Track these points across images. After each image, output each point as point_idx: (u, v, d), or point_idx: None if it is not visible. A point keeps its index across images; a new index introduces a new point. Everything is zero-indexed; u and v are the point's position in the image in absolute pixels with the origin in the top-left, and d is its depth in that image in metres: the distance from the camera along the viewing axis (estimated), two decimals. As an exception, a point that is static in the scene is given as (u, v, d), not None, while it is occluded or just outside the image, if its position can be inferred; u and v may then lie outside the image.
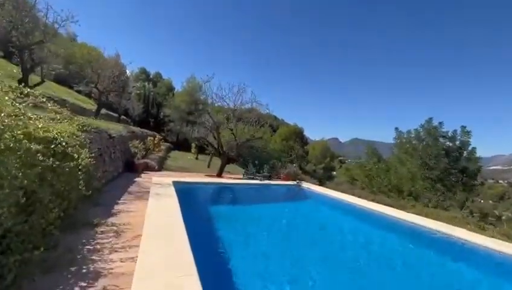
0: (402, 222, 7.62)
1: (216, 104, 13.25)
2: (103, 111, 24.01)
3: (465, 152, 13.10)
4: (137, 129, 18.76)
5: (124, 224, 4.64)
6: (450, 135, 13.75)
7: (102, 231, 4.16)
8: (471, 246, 6.42)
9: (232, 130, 14.31)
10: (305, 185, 12.54)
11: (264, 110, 13.56)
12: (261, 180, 13.18)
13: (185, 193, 9.18)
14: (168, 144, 30.14)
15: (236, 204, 9.54)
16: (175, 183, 8.97)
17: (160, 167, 14.09)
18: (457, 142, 13.27)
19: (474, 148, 13.03)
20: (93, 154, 6.25)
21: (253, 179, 13.75)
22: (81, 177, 4.75)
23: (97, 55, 16.48)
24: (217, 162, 23.30)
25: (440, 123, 13.90)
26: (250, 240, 6.29)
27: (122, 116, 28.14)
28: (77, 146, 5.46)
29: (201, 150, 24.31)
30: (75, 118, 7.47)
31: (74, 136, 5.47)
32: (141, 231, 4.28)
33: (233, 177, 13.65)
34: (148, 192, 7.48)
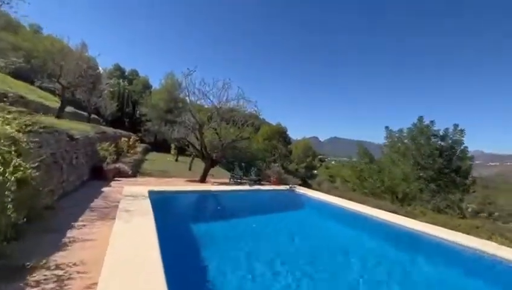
0: (422, 235, 6.38)
1: (198, 102, 11.91)
2: (70, 109, 21.65)
3: (458, 151, 12.86)
4: (109, 129, 16.89)
5: (74, 264, 3.30)
6: (441, 133, 13.48)
7: (36, 282, 2.82)
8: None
9: (216, 129, 13.04)
10: (300, 189, 11.52)
11: (252, 108, 12.45)
12: (250, 185, 12.03)
13: (163, 206, 7.80)
14: (145, 145, 28.12)
15: (227, 218, 8.06)
16: (151, 194, 7.57)
17: (136, 171, 12.52)
18: (450, 141, 13.01)
19: (466, 147, 12.86)
20: (39, 163, 4.82)
21: (240, 183, 12.57)
22: (10, 197, 3.38)
23: (60, 46, 14.43)
24: (199, 163, 21.84)
25: (431, 122, 13.61)
26: (248, 271, 4.85)
27: (93, 116, 25.76)
28: (12, 153, 4.05)
29: (181, 151, 22.72)
30: (28, 116, 5.96)
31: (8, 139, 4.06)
32: (98, 274, 3.00)
33: (218, 183, 12.37)
34: (117, 207, 6.09)
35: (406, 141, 14.46)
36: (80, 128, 9.75)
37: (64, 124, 9.44)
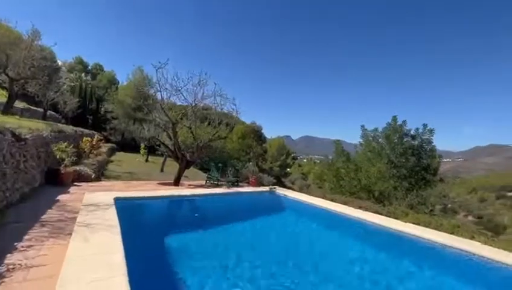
0: (413, 238, 6.11)
1: (171, 98, 10.97)
2: (21, 105, 19.26)
3: (428, 149, 13.43)
4: (68, 128, 15.14)
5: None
6: (412, 133, 14.00)
7: None
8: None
9: (190, 128, 12.21)
10: (280, 191, 11.08)
11: (231, 106, 11.80)
12: (227, 186, 11.41)
13: (132, 216, 6.90)
14: (111, 144, 26.09)
15: (206, 227, 7.09)
16: (118, 202, 6.65)
17: (100, 174, 11.27)
18: (419, 140, 13.56)
19: (434, 145, 13.48)
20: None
21: (218, 185, 11.89)
22: None
23: (6, 32, 12.53)
24: (172, 163, 20.66)
25: (404, 122, 14.10)
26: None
27: (50, 112, 23.25)
28: None
29: (152, 150, 21.35)
30: None
31: None
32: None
33: (194, 185, 11.57)
34: (76, 219, 5.18)
35: (380, 140, 14.83)
36: (31, 127, 8.41)
37: (11, 121, 8.08)
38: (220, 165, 13.15)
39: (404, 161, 13.37)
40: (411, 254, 6.06)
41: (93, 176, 10.17)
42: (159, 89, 10.21)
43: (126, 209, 6.47)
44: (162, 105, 10.60)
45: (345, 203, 8.78)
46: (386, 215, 7.47)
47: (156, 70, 9.73)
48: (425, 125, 13.65)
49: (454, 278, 5.02)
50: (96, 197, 7.02)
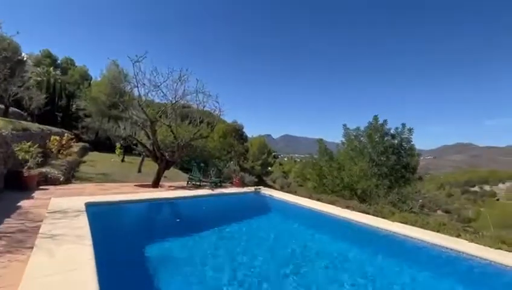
0: (404, 239, 6.00)
1: (149, 94, 10.27)
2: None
3: (407, 148, 13.82)
4: (34, 126, 13.88)
5: None
6: (392, 132, 14.35)
7: None
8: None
9: (170, 126, 11.59)
10: (265, 191, 10.78)
11: (214, 104, 11.31)
12: (211, 188, 10.95)
13: (106, 224, 6.28)
14: (83, 143, 24.50)
15: (188, 232, 6.47)
16: (90, 207, 6.02)
17: (70, 177, 10.36)
18: (399, 139, 13.93)
19: (413, 144, 13.92)
20: None
21: (200, 186, 11.40)
22: None
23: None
24: (150, 164, 19.80)
25: (384, 121, 14.43)
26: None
27: (13, 109, 21.33)
28: None
29: (128, 150, 20.27)
30: None
31: None
32: None
33: (175, 187, 10.98)
34: (39, 228, 4.56)
35: (362, 139, 15.06)
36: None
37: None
38: (202, 165, 12.66)
39: (384, 159, 13.65)
40: (402, 254, 6.02)
41: (61, 179, 9.30)
42: (136, 84, 9.54)
43: (99, 215, 5.87)
44: (140, 102, 9.92)
45: (331, 202, 8.71)
46: (373, 215, 7.46)
47: (133, 63, 9.05)
48: (404, 125, 14.05)
49: (446, 278, 5.02)
50: (64, 202, 6.33)
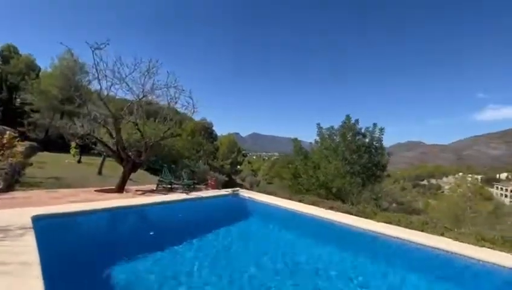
0: (389, 239, 5.81)
1: (112, 88, 9.02)
2: None
3: (378, 147, 14.30)
4: (-37, 122, 11.59)
5: None
6: (363, 131, 14.75)
7: None
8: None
9: (137, 124, 10.45)
10: (244, 193, 10.10)
11: (187, 99, 10.39)
12: (184, 191, 10.08)
13: (61, 242, 5.18)
14: (30, 143, 21.50)
15: (163, 246, 5.49)
16: (37, 221, 4.91)
17: (12, 182, 8.72)
18: (370, 138, 14.35)
19: (382, 143, 14.45)
20: None
21: (172, 189, 10.45)
22: None
23: None
24: (112, 164, 18.08)
25: (356, 120, 14.77)
26: None
27: None
28: None
29: (85, 149, 18.21)
30: None
31: None
32: None
33: (143, 191, 9.89)
34: (-34, 256, 3.48)
35: (335, 137, 15.27)
36: None
37: None
38: (173, 166, 11.70)
39: (356, 157, 13.96)
40: (393, 256, 5.85)
41: (1, 185, 7.77)
42: (96, 75, 8.29)
43: (51, 232, 4.84)
44: (102, 96, 8.68)
45: (313, 203, 8.49)
46: (356, 215, 7.38)
47: (93, 51, 7.81)
48: (375, 124, 14.51)
49: (441, 280, 4.94)
50: (3, 216, 5.11)
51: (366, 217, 7.18)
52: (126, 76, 9.02)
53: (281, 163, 19.50)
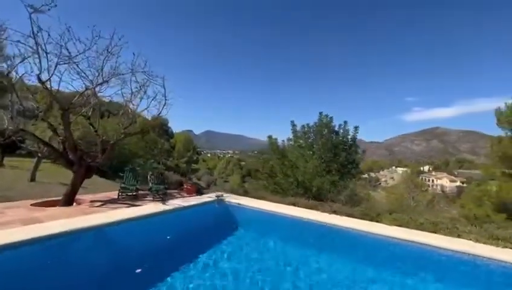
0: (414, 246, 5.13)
1: (57, 69, 6.71)
2: None
3: (353, 145, 14.38)
4: None
5: None
6: (336, 129, 14.70)
7: None
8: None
9: (89, 119, 8.27)
10: (230, 199, 8.48)
11: (158, 88, 8.55)
12: (156, 198, 8.31)
13: None
14: None
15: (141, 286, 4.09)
16: None
17: None
18: (346, 136, 14.38)
19: (356, 140, 14.59)
20: None
21: (136, 197, 8.56)
22: None
23: None
24: (48, 167, 15.00)
25: (331, 118, 14.63)
26: None
27: None
28: None
29: (9, 149, 14.52)
30: None
31: None
32: None
33: (101, 202, 7.82)
34: None
35: (311, 134, 14.93)
36: None
37: None
38: (138, 168, 9.75)
39: (332, 156, 13.82)
40: (428, 268, 5.09)
41: None
42: (35, 49, 6.01)
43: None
44: (41, 79, 6.38)
45: (311, 207, 7.70)
46: (359, 218, 6.83)
47: (30, 14, 5.57)
48: (345, 122, 14.59)
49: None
50: None
51: (371, 220, 6.69)
52: (77, 54, 6.86)
53: (255, 162, 18.52)
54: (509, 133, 17.21)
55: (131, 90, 8.60)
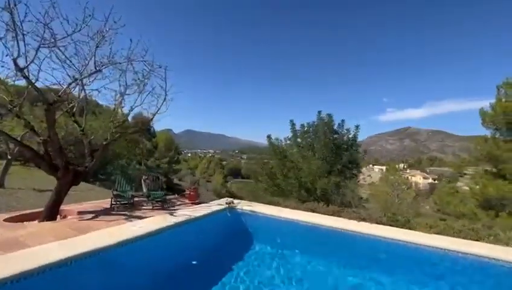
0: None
1: (37, 55, 5.45)
2: None
3: (354, 145, 14.02)
4: None
5: None
6: (336, 128, 14.30)
7: None
8: None
9: (73, 116, 7.03)
10: (243, 206, 7.25)
11: (158, 82, 7.47)
12: (161, 207, 7.25)
13: None
14: None
15: None
16: None
17: None
18: (346, 135, 14.01)
19: (357, 139, 14.26)
20: None
21: (133, 205, 7.44)
22: None
23: None
24: (17, 171, 13.37)
25: (331, 117, 14.18)
26: None
27: None
28: None
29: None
30: None
31: None
32: None
33: (93, 214, 6.65)
34: None
35: (306, 136, 14.42)
36: None
37: None
38: (130, 173, 8.61)
39: (334, 156, 13.40)
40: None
41: None
42: (11, 25, 4.78)
43: None
44: (17, 64, 5.14)
45: (331, 214, 7.03)
46: (388, 225, 6.28)
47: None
48: (343, 121, 14.26)
49: None
50: None
51: (403, 227, 6.17)
52: (63, 37, 5.67)
53: (255, 163, 17.70)
54: (497, 134, 17.77)
55: (126, 82, 7.47)
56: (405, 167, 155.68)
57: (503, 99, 16.63)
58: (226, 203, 7.33)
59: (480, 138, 19.24)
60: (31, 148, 6.47)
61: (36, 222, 6.06)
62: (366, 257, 5.33)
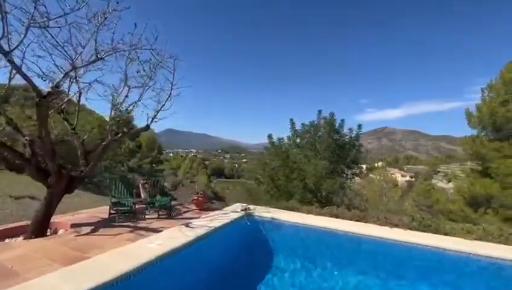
0: None
1: (24, 40, 4.45)
2: None
3: (355, 145, 13.77)
4: None
5: None
6: (337, 128, 14.00)
7: None
8: None
9: (63, 114, 6.04)
10: (260, 211, 6.63)
11: (168, 70, 6.60)
12: (161, 216, 6.38)
13: None
14: None
15: None
16: None
17: None
18: (350, 135, 13.74)
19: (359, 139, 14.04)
20: None
21: (135, 217, 6.52)
22: None
23: None
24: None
25: (333, 116, 13.86)
26: None
27: None
28: None
29: None
30: None
31: None
32: None
33: (91, 227, 5.68)
34: None
35: (307, 135, 14.03)
36: None
37: None
38: (129, 178, 7.66)
39: (337, 157, 13.10)
40: None
41: None
42: None
43: None
44: (3, 46, 4.14)
45: (357, 219, 6.55)
46: (420, 231, 5.90)
47: None
48: (343, 120, 14.01)
49: None
50: None
51: (436, 232, 5.81)
52: (57, 17, 4.70)
53: (256, 165, 16.99)
54: (482, 134, 18.36)
55: (126, 74, 6.55)
56: (384, 165, 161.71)
57: (488, 100, 17.24)
58: (242, 210, 6.62)
59: (468, 137, 19.78)
60: (12, 148, 5.40)
61: (21, 238, 5.04)
62: (414, 269, 4.86)
